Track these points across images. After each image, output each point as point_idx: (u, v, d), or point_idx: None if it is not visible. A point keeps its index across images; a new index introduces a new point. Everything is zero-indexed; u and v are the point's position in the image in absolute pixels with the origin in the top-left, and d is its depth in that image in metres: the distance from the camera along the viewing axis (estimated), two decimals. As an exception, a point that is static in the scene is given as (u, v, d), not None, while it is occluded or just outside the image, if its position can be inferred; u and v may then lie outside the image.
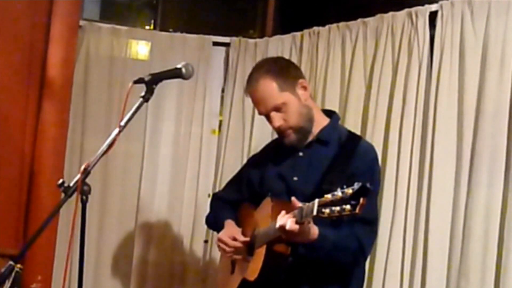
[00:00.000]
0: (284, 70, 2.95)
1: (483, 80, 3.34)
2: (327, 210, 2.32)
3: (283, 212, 2.57)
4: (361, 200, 2.22)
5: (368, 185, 2.22)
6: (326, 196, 2.33)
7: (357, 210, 2.23)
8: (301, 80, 2.95)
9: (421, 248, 3.45)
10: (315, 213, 2.36)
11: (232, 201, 3.27)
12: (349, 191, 2.24)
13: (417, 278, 3.45)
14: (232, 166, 4.37)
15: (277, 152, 3.07)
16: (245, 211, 3.14)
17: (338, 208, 2.27)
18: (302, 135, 2.95)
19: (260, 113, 3.00)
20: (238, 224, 3.12)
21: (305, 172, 2.91)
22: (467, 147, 3.36)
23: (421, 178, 3.50)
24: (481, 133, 3.32)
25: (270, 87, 2.89)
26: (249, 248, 2.96)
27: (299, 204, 2.53)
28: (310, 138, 2.96)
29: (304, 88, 2.95)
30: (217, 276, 3.41)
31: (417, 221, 3.49)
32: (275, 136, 3.16)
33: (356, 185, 2.23)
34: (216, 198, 3.42)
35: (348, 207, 2.24)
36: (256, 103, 2.98)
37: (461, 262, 3.33)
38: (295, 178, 2.93)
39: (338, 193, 2.28)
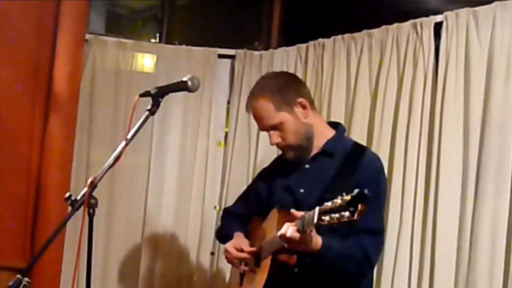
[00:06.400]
0: (283, 89, 2.97)
1: (488, 90, 3.34)
2: (326, 218, 2.33)
3: (286, 223, 2.59)
4: (359, 206, 2.22)
5: (366, 191, 2.22)
6: (326, 203, 2.35)
7: (355, 217, 2.23)
8: (300, 100, 2.96)
9: (428, 259, 3.45)
10: (315, 220, 2.38)
11: (242, 215, 3.29)
12: (348, 197, 2.25)
13: (425, 289, 3.45)
14: (238, 178, 4.38)
15: (284, 165, 3.09)
16: (254, 223, 3.15)
17: (337, 215, 2.29)
18: (300, 153, 2.99)
19: (260, 130, 3.08)
20: (248, 237, 3.13)
21: (311, 184, 2.93)
22: (473, 157, 3.36)
23: (428, 188, 3.49)
24: (487, 144, 3.31)
25: (266, 108, 2.94)
26: (256, 259, 2.97)
27: (300, 214, 2.55)
28: (316, 151, 2.98)
29: (303, 106, 2.97)
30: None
31: (423, 232, 3.49)
32: (281, 149, 3.18)
33: (355, 192, 2.24)
34: (227, 213, 3.47)
35: (346, 213, 2.25)
36: (256, 120, 3.05)
37: (468, 273, 3.32)
38: (302, 190, 2.95)
39: (338, 200, 2.30)
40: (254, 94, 3.01)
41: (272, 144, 3.00)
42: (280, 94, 2.94)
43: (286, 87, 2.99)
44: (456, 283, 3.36)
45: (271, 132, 2.97)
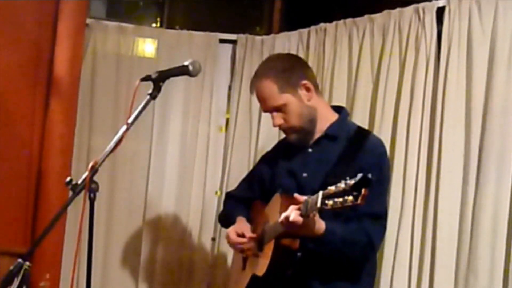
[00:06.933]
0: (288, 71, 2.97)
1: (490, 76, 3.32)
2: (330, 202, 2.32)
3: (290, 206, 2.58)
4: (363, 190, 2.21)
5: (370, 175, 2.21)
6: (330, 188, 2.34)
7: (359, 201, 2.22)
8: (304, 82, 2.96)
9: (429, 244, 3.44)
10: (319, 205, 2.37)
11: (244, 199, 3.29)
12: (351, 182, 2.24)
13: (426, 275, 3.44)
14: (240, 164, 4.38)
15: (287, 149, 3.09)
16: (257, 208, 3.15)
17: (340, 199, 2.28)
18: (302, 135, 2.98)
19: (263, 111, 3.07)
20: (250, 221, 3.13)
21: (314, 168, 2.93)
22: (475, 143, 3.35)
23: (429, 174, 3.49)
24: (489, 129, 3.31)
25: (270, 89, 2.94)
26: (259, 244, 2.97)
27: (303, 198, 2.54)
28: (319, 134, 2.98)
29: (307, 89, 2.96)
30: (230, 274, 3.41)
31: (425, 217, 3.48)
32: (283, 133, 3.17)
33: (358, 176, 2.23)
34: (229, 197, 3.46)
35: (350, 198, 2.24)
36: (259, 101, 3.04)
37: (469, 258, 3.32)
38: (305, 174, 2.95)
39: (342, 184, 2.28)
40: (258, 75, 3.01)
41: (275, 125, 2.99)
42: (285, 76, 2.94)
43: (291, 69, 2.99)
44: (457, 268, 3.36)
45: (274, 113, 2.96)
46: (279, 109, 2.94)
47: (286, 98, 2.92)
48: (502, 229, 3.21)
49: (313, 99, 2.98)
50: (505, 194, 3.22)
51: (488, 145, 3.30)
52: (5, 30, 3.88)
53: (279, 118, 2.96)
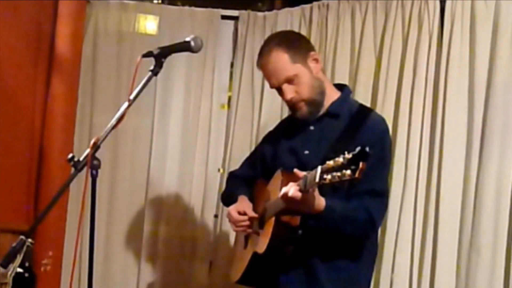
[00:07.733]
0: (296, 43, 2.96)
1: (494, 51, 3.32)
2: (328, 176, 2.31)
3: (290, 183, 2.58)
4: (361, 164, 2.20)
5: (367, 149, 2.20)
6: (328, 162, 2.33)
7: (356, 175, 2.21)
8: (312, 53, 2.96)
9: (432, 222, 3.45)
10: (317, 179, 2.36)
11: (247, 178, 3.29)
12: (349, 156, 2.23)
13: (428, 252, 3.46)
14: (242, 141, 4.36)
15: (289, 127, 3.08)
16: (259, 186, 3.15)
17: (339, 173, 2.27)
18: (314, 108, 2.95)
19: (272, 86, 3.00)
20: (253, 199, 3.13)
21: (316, 145, 2.92)
22: (478, 119, 3.35)
23: (432, 150, 3.49)
24: (492, 105, 3.31)
25: (282, 59, 2.90)
26: (260, 221, 2.97)
27: (303, 174, 2.53)
28: (321, 112, 2.96)
29: (316, 60, 2.95)
30: (233, 252, 3.42)
31: (427, 194, 3.49)
32: (285, 110, 3.17)
33: (356, 150, 2.22)
34: (232, 176, 3.46)
35: (348, 172, 2.23)
36: (268, 75, 2.98)
37: (472, 235, 3.33)
38: (306, 152, 2.94)
39: (340, 159, 2.27)
40: (268, 48, 2.97)
41: (287, 99, 2.94)
42: (294, 47, 2.93)
43: (299, 41, 3.00)
44: (459, 246, 3.37)
45: (285, 86, 2.92)
46: (291, 80, 2.90)
47: (298, 68, 2.90)
48: (504, 205, 3.22)
49: (319, 73, 2.97)
50: (508, 170, 3.23)
51: (491, 120, 3.30)
52: (6, 7, 3.85)
53: (291, 91, 2.91)
